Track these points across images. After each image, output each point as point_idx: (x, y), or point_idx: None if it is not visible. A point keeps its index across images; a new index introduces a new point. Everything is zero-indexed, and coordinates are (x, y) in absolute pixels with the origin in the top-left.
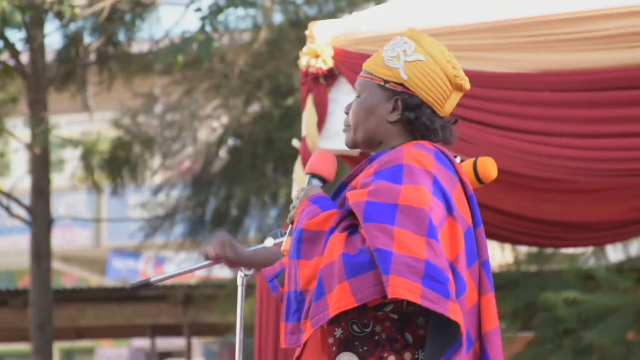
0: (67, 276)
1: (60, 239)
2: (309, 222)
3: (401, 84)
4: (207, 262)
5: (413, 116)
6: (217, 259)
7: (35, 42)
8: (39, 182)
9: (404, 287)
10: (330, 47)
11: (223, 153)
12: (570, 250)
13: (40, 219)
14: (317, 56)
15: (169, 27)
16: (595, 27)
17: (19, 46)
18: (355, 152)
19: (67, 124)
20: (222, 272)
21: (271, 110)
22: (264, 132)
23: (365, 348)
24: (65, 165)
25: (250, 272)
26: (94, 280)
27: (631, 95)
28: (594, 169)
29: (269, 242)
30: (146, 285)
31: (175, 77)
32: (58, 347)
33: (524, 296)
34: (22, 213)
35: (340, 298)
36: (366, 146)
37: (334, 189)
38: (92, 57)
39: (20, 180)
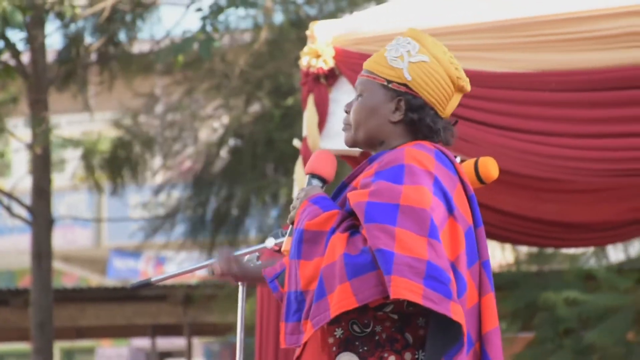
0: (67, 276)
1: (60, 239)
2: (310, 222)
3: (404, 85)
4: (207, 263)
5: (417, 117)
6: (223, 275)
7: (36, 42)
8: (39, 182)
9: (405, 288)
10: (331, 47)
11: (224, 153)
12: (570, 251)
13: (41, 218)
14: (317, 56)
15: (169, 27)
16: (595, 27)
17: (20, 46)
18: (356, 152)
19: (67, 124)
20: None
21: (272, 110)
22: (265, 132)
23: (365, 348)
24: (66, 165)
25: None
26: (94, 280)
27: (631, 95)
28: (594, 169)
29: (270, 242)
30: (147, 285)
31: (175, 77)
32: (58, 346)
33: (525, 296)
34: (23, 213)
35: (342, 298)
36: (367, 146)
37: (334, 189)
38: (93, 57)
39: (21, 180)
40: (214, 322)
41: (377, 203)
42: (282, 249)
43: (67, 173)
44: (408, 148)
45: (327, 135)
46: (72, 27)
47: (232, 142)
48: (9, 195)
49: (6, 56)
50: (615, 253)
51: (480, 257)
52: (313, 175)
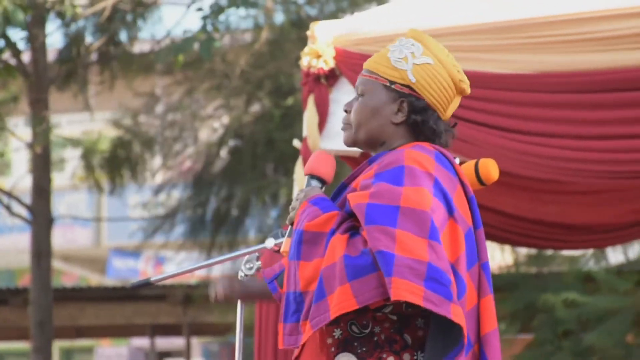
0: (67, 275)
1: (60, 238)
2: (310, 223)
3: (408, 86)
4: (207, 262)
5: (420, 119)
6: (227, 298)
7: (36, 41)
8: (39, 181)
9: (406, 290)
10: (331, 47)
11: (224, 153)
12: (570, 252)
13: (40, 218)
14: (318, 56)
15: (170, 27)
16: (595, 29)
17: (21, 45)
18: (356, 152)
19: (68, 123)
20: (221, 272)
21: (272, 110)
22: (265, 132)
23: (364, 349)
24: (66, 165)
25: (251, 273)
26: (94, 279)
27: (632, 97)
28: (594, 170)
29: (270, 242)
30: (146, 284)
31: (176, 77)
32: (58, 346)
33: (524, 298)
34: (23, 212)
35: (342, 300)
36: (367, 146)
37: (334, 190)
38: (94, 56)
39: (21, 179)
40: (213, 322)
41: (378, 205)
42: (281, 249)
43: (67, 172)
44: (408, 150)
45: (328, 135)
46: (73, 27)
47: (232, 142)
48: (9, 194)
49: (7, 55)
50: (615, 255)
51: (480, 259)
52: (312, 176)
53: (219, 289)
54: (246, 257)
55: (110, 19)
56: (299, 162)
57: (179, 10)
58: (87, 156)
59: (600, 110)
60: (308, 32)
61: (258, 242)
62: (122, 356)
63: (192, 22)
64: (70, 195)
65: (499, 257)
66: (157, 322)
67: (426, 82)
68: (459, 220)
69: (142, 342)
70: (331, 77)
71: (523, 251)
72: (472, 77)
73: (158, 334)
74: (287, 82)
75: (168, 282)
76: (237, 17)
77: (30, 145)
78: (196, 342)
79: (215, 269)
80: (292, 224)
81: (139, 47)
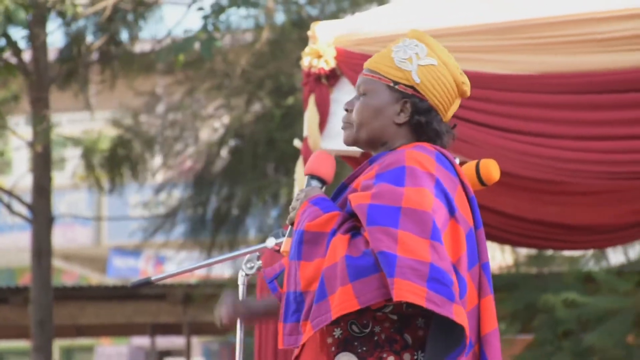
0: (67, 274)
1: (60, 237)
2: (311, 223)
3: (412, 87)
4: (208, 262)
5: (424, 120)
6: (230, 321)
7: (37, 40)
8: (40, 180)
9: (408, 290)
10: (332, 47)
11: (224, 153)
12: (570, 253)
13: (41, 217)
14: (319, 56)
15: (171, 27)
16: (596, 30)
17: (22, 44)
18: (357, 152)
19: (68, 122)
20: (222, 271)
21: (272, 110)
22: (266, 132)
23: (364, 348)
24: (66, 164)
25: (251, 272)
26: (94, 278)
27: (632, 98)
28: (594, 171)
29: (271, 242)
30: (147, 283)
31: (177, 77)
32: (58, 344)
33: (524, 298)
34: (23, 211)
35: (343, 300)
36: (368, 146)
37: (334, 190)
38: (94, 56)
39: (21, 178)
40: (213, 321)
41: (379, 205)
42: (281, 249)
43: (68, 171)
44: (409, 150)
45: (328, 135)
46: (74, 26)
47: (232, 142)
48: (10, 193)
49: (8, 54)
50: (615, 256)
51: (480, 259)
52: (312, 176)
53: (223, 312)
54: (247, 257)
55: (111, 18)
56: (300, 162)
57: (179, 9)
58: (87, 155)
59: (600, 111)
60: (309, 32)
61: (258, 242)
62: (123, 355)
63: (193, 22)
64: (70, 194)
65: (499, 257)
66: (158, 321)
67: (430, 84)
68: (460, 221)
69: (142, 341)
70: (332, 77)
71: (523, 251)
72: (473, 77)
73: (158, 333)
74: (288, 82)
75: (168, 281)
76: (238, 16)
77: (31, 144)
78: (196, 342)
79: (215, 268)
80: (292, 224)
81: (139, 47)
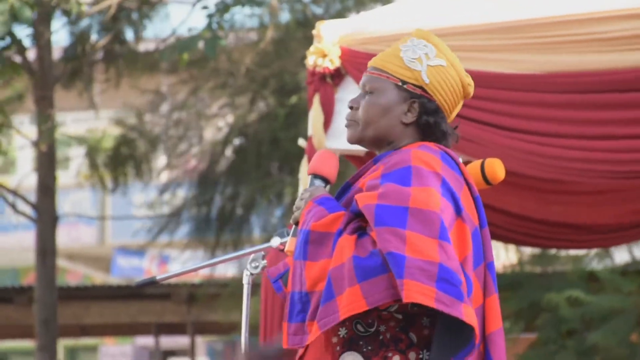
0: (71, 274)
1: (65, 237)
2: (316, 223)
3: (420, 87)
4: (212, 261)
5: (432, 120)
6: None
7: (42, 39)
8: (44, 179)
9: (418, 291)
10: (337, 46)
11: (229, 152)
12: (574, 252)
13: (45, 216)
14: (324, 56)
15: (175, 26)
16: (602, 29)
17: (26, 43)
18: (361, 151)
19: (73, 121)
20: (226, 271)
21: (277, 109)
22: (270, 131)
23: (369, 348)
24: (70, 163)
25: (256, 271)
26: (98, 278)
27: (637, 98)
28: (599, 170)
29: (275, 241)
30: (151, 283)
31: (181, 76)
32: (62, 344)
33: (528, 297)
34: (28, 210)
35: (351, 301)
36: (373, 145)
37: (338, 189)
38: (99, 55)
39: (25, 177)
40: (217, 320)
41: (387, 206)
42: (285, 249)
43: (72, 170)
44: (414, 150)
45: (333, 134)
46: (79, 25)
47: (237, 141)
48: (14, 193)
49: (12, 52)
50: (620, 254)
51: (485, 259)
52: (315, 176)
53: None
54: (252, 256)
55: (116, 17)
56: (304, 161)
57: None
58: (91, 154)
59: (606, 111)
60: (314, 31)
61: (263, 241)
62: (127, 355)
63: (197, 21)
64: (75, 194)
65: (504, 256)
66: (162, 320)
67: (439, 84)
68: (467, 220)
69: (146, 340)
70: (337, 76)
71: (527, 250)
72: (478, 77)
73: (162, 332)
74: (292, 81)
75: (172, 280)
76: (243, 15)
77: (35, 143)
78: (201, 341)
79: (219, 268)
80: (296, 224)
81: (144, 46)
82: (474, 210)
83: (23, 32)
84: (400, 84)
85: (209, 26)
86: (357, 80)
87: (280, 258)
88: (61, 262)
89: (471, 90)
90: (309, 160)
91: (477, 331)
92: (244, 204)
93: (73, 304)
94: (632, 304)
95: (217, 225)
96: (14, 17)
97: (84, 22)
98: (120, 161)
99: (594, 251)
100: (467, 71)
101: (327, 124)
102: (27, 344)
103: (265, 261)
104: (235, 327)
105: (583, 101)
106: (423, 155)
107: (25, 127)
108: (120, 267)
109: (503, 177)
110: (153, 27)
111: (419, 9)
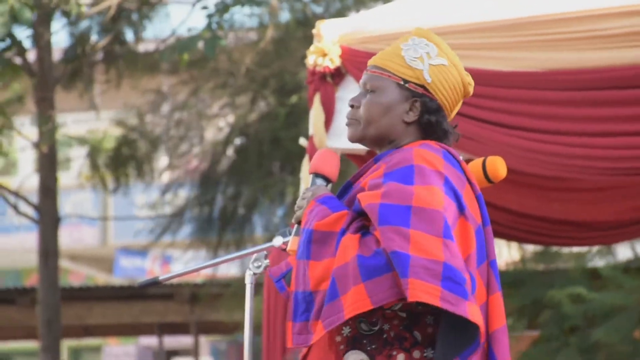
0: (74, 274)
1: (67, 238)
2: (319, 223)
3: (422, 86)
4: (215, 261)
5: (434, 120)
6: None
7: (42, 40)
8: (46, 180)
9: (422, 290)
10: (337, 45)
11: (230, 152)
12: (576, 249)
13: (47, 217)
14: (324, 55)
15: (175, 26)
16: (601, 26)
17: (26, 44)
18: (363, 150)
19: (74, 122)
20: (228, 270)
21: (277, 109)
22: (271, 130)
23: (373, 346)
24: (72, 164)
25: (259, 271)
26: (101, 278)
27: (637, 95)
28: (600, 167)
29: (278, 240)
30: (154, 283)
31: (181, 77)
32: (66, 345)
33: (531, 294)
34: (30, 211)
35: (356, 300)
36: (374, 143)
37: (339, 188)
38: (99, 55)
39: (27, 178)
40: (220, 320)
41: (390, 205)
42: (288, 248)
43: (73, 171)
44: (416, 148)
45: (334, 133)
46: (79, 26)
47: (238, 140)
48: (16, 194)
49: (12, 54)
50: (623, 251)
51: (488, 257)
52: (317, 175)
53: None
54: (254, 256)
55: (116, 17)
56: (305, 161)
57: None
58: (92, 155)
59: (606, 108)
60: (314, 31)
61: (265, 241)
62: (130, 355)
63: (197, 21)
64: (76, 195)
65: (506, 253)
66: (165, 320)
67: (440, 83)
68: (469, 218)
69: (150, 340)
70: (337, 75)
71: (530, 248)
72: (478, 74)
73: (166, 332)
74: (293, 80)
75: (175, 280)
76: (242, 15)
77: (36, 145)
78: (204, 341)
79: (222, 267)
80: (299, 223)
81: (144, 46)
82: (477, 208)
83: (23, 34)
84: (402, 82)
85: (208, 26)
86: (358, 79)
87: (282, 257)
88: (64, 263)
89: (471, 89)
90: (310, 159)
91: (483, 329)
92: (246, 204)
93: (76, 304)
94: (635, 300)
95: (219, 225)
96: (14, 18)
97: (84, 23)
98: (122, 162)
99: (596, 248)
100: (467, 69)
101: (327, 123)
102: (31, 345)
103: (267, 261)
104: (238, 327)
105: (583, 98)
106: (425, 154)
107: (26, 129)
108: (123, 267)
109: (504, 175)
110: (153, 27)
111: (419, 8)
